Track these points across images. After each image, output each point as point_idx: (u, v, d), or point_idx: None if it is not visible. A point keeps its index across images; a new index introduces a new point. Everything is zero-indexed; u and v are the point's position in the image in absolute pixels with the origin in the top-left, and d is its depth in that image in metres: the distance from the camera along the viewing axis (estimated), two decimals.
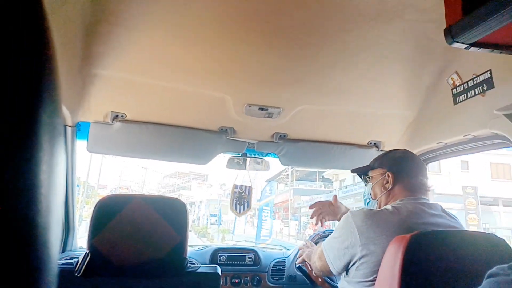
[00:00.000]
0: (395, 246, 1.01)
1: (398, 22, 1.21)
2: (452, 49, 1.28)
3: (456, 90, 1.43)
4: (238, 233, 21.13)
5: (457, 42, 1.00)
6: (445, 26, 1.01)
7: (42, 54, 0.24)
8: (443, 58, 1.43)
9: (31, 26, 0.23)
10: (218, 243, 2.85)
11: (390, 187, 1.36)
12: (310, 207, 1.82)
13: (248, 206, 2.46)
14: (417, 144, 1.74)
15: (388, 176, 1.36)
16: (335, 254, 1.27)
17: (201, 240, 20.22)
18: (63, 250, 1.87)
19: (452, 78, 1.44)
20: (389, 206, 1.26)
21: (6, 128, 0.20)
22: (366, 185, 1.49)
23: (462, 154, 1.66)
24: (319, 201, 1.83)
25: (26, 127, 0.21)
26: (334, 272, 1.29)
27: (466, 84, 1.37)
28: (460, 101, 1.41)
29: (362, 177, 1.53)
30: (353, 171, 1.58)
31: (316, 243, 1.80)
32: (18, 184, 0.21)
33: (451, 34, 1.00)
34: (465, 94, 1.38)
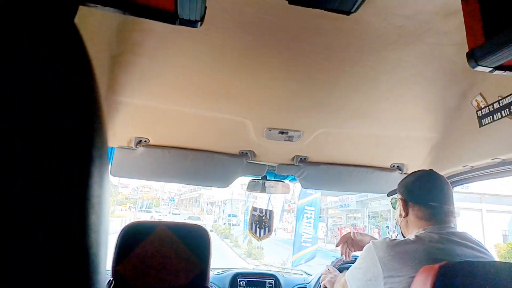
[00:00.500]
0: (423, 276, 0.97)
1: (419, 45, 1.20)
2: (475, 71, 1.26)
3: (481, 112, 1.39)
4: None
5: (480, 65, 0.99)
6: (467, 48, 1.00)
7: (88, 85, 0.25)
8: (466, 80, 1.40)
9: (81, 64, 0.25)
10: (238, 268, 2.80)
11: (404, 214, 1.31)
12: (337, 246, 1.77)
13: (269, 230, 2.43)
14: (442, 167, 1.69)
15: (402, 202, 1.33)
16: (358, 285, 1.22)
17: (224, 242, 20.08)
18: None
19: (476, 100, 1.41)
20: (412, 236, 1.21)
21: (63, 155, 0.21)
22: (393, 208, 1.46)
23: (491, 178, 1.59)
24: (343, 236, 1.78)
25: (81, 152, 0.22)
26: None
27: (491, 106, 1.34)
28: (486, 124, 1.37)
29: (391, 201, 1.49)
30: (388, 194, 1.58)
31: (339, 269, 1.75)
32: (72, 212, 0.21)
33: (474, 58, 0.98)
34: (490, 117, 1.34)
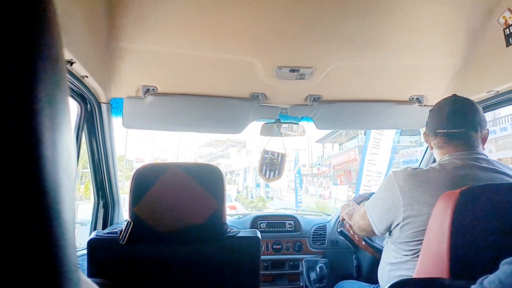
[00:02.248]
0: (443, 202, 0.94)
1: None
2: None
3: (509, 30, 1.27)
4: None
5: None
6: None
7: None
8: None
9: None
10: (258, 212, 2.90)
11: (430, 147, 1.31)
12: (341, 220, 1.80)
13: (279, 173, 2.43)
14: (464, 95, 1.60)
15: (424, 135, 1.32)
16: (378, 214, 1.22)
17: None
18: (111, 223, 1.96)
19: (504, 16, 1.28)
20: (435, 164, 1.18)
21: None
22: None
23: None
24: (342, 208, 1.80)
25: (24, 86, 0.19)
26: (376, 232, 1.25)
27: None
28: None
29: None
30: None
31: (359, 204, 1.76)
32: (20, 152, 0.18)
33: None
34: None
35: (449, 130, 1.20)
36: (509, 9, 1.26)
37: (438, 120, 1.24)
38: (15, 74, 0.18)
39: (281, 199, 23.44)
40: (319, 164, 34.49)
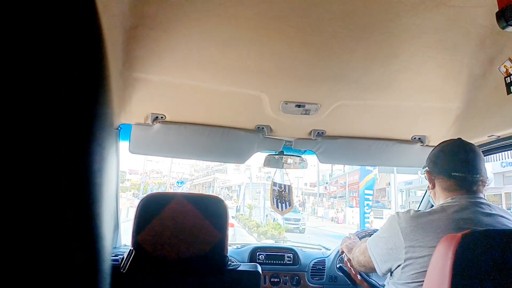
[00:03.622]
0: (445, 245, 0.94)
1: (443, 9, 1.13)
2: (504, 34, 1.19)
3: (510, 79, 1.32)
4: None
5: (511, 25, 0.93)
6: (496, 9, 0.93)
7: (97, 59, 0.25)
8: (494, 44, 1.32)
9: (88, 30, 0.24)
10: (257, 242, 2.87)
11: (431, 186, 1.31)
12: (341, 254, 1.77)
13: (290, 204, 2.44)
14: (466, 138, 1.63)
15: (426, 174, 1.33)
16: (380, 253, 1.22)
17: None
18: None
19: (505, 65, 1.33)
20: (437, 206, 1.20)
21: (64, 130, 0.21)
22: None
23: None
24: (343, 242, 1.79)
25: (83, 128, 0.22)
26: (379, 272, 1.24)
27: None
28: None
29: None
30: (423, 167, 1.57)
31: (360, 239, 1.76)
32: (73, 184, 0.22)
33: (504, 17, 0.92)
34: None
35: (466, 175, 1.21)
36: (510, 59, 1.31)
37: (454, 163, 1.24)
38: (77, 137, 0.22)
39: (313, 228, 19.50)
40: (327, 183, 32.11)
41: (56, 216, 0.20)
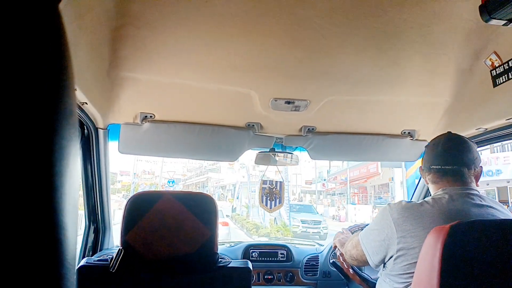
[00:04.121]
0: (433, 237, 0.96)
1: (428, 3, 1.15)
2: (489, 27, 1.21)
3: (496, 72, 1.34)
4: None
5: (494, 18, 0.94)
6: (480, 4, 0.94)
7: (56, 48, 0.24)
8: (479, 38, 1.34)
9: (45, 19, 0.23)
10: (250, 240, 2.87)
11: (425, 181, 1.34)
12: (334, 248, 1.77)
13: (280, 201, 2.44)
14: (455, 131, 1.65)
15: (420, 170, 1.36)
16: (372, 246, 1.24)
17: None
18: (100, 248, 1.93)
19: (490, 59, 1.35)
20: (429, 198, 1.21)
21: (22, 129, 0.21)
22: None
23: (505, 140, 1.56)
24: (336, 236, 1.80)
25: (40, 120, 0.22)
26: (371, 264, 1.25)
27: (506, 64, 1.28)
28: (500, 83, 1.32)
29: None
30: None
31: (353, 233, 1.77)
32: (31, 188, 0.21)
33: (487, 10, 0.93)
34: (506, 75, 1.29)
35: (442, 167, 1.24)
36: (495, 52, 1.33)
37: (432, 157, 1.28)
38: (36, 128, 0.22)
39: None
40: (325, 180, 30.37)
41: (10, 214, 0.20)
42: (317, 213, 18.07)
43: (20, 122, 0.20)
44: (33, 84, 0.21)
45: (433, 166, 1.26)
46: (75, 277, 0.25)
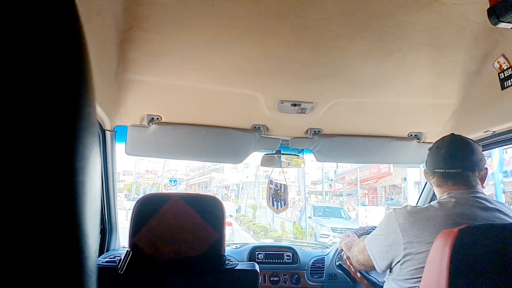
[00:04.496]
0: (442, 241, 0.95)
1: (436, 6, 1.14)
2: (497, 30, 1.20)
3: (504, 74, 1.33)
4: None
5: (502, 22, 0.93)
6: (488, 7, 0.94)
7: (79, 60, 0.25)
8: (487, 41, 1.33)
9: (68, 33, 0.24)
10: (256, 242, 2.87)
11: (430, 184, 1.33)
12: (340, 251, 1.78)
13: (285, 203, 2.45)
14: (462, 133, 1.65)
15: (424, 173, 1.35)
16: (378, 251, 1.23)
17: None
18: (107, 249, 1.95)
19: (498, 61, 1.34)
20: (434, 202, 1.21)
21: (45, 130, 0.21)
22: None
23: None
24: (343, 239, 1.80)
25: (63, 130, 0.22)
26: (378, 270, 1.25)
27: None
28: (509, 85, 1.31)
29: None
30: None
31: (359, 236, 1.76)
32: (54, 186, 0.22)
33: (495, 14, 0.93)
34: None
35: (446, 170, 1.23)
36: (503, 55, 1.32)
37: (436, 160, 1.27)
38: (59, 138, 0.22)
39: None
40: (331, 180, 29.01)
41: (36, 218, 0.20)
42: (349, 217, 15.47)
43: (44, 131, 0.21)
44: (56, 93, 0.22)
45: (437, 170, 1.25)
46: (95, 284, 0.26)
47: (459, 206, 1.14)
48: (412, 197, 16.31)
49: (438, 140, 1.32)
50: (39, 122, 0.21)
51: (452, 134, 1.31)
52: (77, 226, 0.23)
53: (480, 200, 1.16)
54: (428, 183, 1.38)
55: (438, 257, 0.95)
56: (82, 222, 0.23)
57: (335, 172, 29.02)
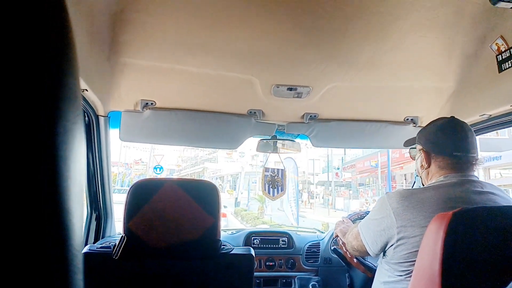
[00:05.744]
0: (436, 224, 0.95)
1: None
2: (496, 11, 1.18)
3: (501, 57, 1.31)
4: None
5: (502, 1, 0.91)
6: None
7: (60, 26, 0.23)
8: (486, 22, 1.31)
9: (51, 13, 0.22)
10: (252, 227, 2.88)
11: (426, 165, 1.28)
12: (335, 237, 1.78)
13: (282, 189, 2.45)
14: (459, 117, 1.64)
15: (422, 153, 1.29)
16: (371, 236, 1.23)
17: None
18: (103, 236, 1.94)
19: (496, 43, 1.32)
20: (428, 185, 1.20)
21: (24, 111, 0.20)
22: (413, 159, 1.44)
23: (508, 126, 1.54)
24: (337, 225, 1.80)
25: (46, 113, 0.21)
26: (371, 254, 1.25)
27: None
28: (506, 68, 1.29)
29: (410, 151, 1.48)
30: (405, 144, 1.52)
31: (353, 222, 1.77)
32: (36, 172, 0.21)
33: None
34: (511, 60, 1.27)
35: (466, 154, 1.20)
36: (501, 37, 1.30)
37: (455, 142, 1.23)
38: (41, 111, 0.21)
39: None
40: (338, 168, 26.25)
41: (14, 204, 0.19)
42: None
43: (23, 105, 0.20)
44: (36, 66, 0.21)
45: (456, 153, 1.21)
46: (81, 263, 0.25)
47: (454, 190, 1.13)
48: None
49: (446, 123, 1.27)
50: (14, 93, 0.19)
51: (453, 117, 1.29)
52: (59, 203, 0.22)
53: (475, 184, 1.16)
54: (420, 162, 1.33)
55: (432, 241, 0.95)
56: (66, 198, 0.22)
57: (342, 159, 26.60)
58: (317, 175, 28.31)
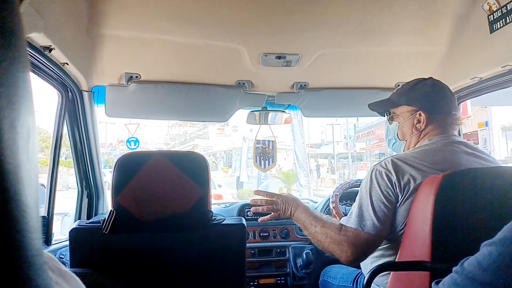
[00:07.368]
0: (426, 187, 0.95)
1: None
2: None
3: (493, 16, 1.27)
4: None
5: None
6: None
7: None
8: None
9: None
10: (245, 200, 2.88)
11: (422, 127, 1.23)
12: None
13: (273, 161, 2.44)
14: (450, 82, 1.59)
15: (420, 115, 1.23)
16: (381, 211, 1.12)
17: None
18: (95, 213, 1.93)
19: (488, 3, 1.28)
20: (418, 148, 1.19)
21: None
22: (390, 123, 1.36)
23: (500, 88, 1.53)
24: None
25: None
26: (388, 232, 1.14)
27: (505, 7, 1.22)
28: (498, 28, 1.26)
29: (386, 115, 1.39)
30: (371, 107, 1.44)
31: (346, 193, 1.77)
32: None
33: None
34: (503, 20, 1.23)
35: (457, 113, 1.24)
36: None
37: (451, 102, 1.24)
38: None
39: None
40: (350, 137, 22.02)
41: None
42: None
43: None
44: None
45: (454, 112, 1.23)
46: (45, 264, 0.22)
47: (443, 152, 1.13)
48: (500, 151, 11.62)
49: (435, 84, 1.25)
50: None
51: (431, 77, 1.29)
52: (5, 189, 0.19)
53: (460, 145, 1.16)
54: (412, 124, 1.28)
55: (422, 204, 0.95)
56: (14, 183, 0.19)
57: (355, 126, 22.80)
58: (337, 143, 21.77)
